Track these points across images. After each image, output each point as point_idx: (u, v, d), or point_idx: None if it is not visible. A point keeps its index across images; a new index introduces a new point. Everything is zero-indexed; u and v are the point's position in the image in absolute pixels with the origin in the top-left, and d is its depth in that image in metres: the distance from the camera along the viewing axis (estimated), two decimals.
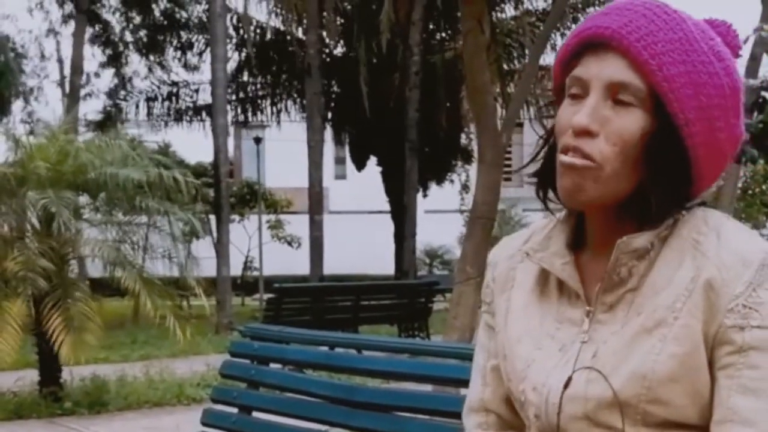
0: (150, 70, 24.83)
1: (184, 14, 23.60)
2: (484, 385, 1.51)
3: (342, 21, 21.46)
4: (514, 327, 1.42)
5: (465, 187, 24.63)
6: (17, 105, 26.75)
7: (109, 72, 25.73)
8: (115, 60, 25.36)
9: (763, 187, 22.73)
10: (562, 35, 17.30)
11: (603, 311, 1.32)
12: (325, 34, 20.05)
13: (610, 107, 1.26)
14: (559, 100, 1.34)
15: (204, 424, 3.09)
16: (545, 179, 1.37)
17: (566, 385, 1.30)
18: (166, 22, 23.59)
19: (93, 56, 24.94)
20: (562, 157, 1.28)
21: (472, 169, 22.97)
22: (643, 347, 1.25)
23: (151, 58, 24.74)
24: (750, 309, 1.22)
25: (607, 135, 1.25)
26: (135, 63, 25.58)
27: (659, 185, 1.26)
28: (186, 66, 23.48)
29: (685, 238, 1.29)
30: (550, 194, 1.39)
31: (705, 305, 1.24)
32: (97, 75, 25.80)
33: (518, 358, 1.39)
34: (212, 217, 18.76)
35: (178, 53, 23.73)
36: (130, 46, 25.03)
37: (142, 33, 24.41)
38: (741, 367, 1.22)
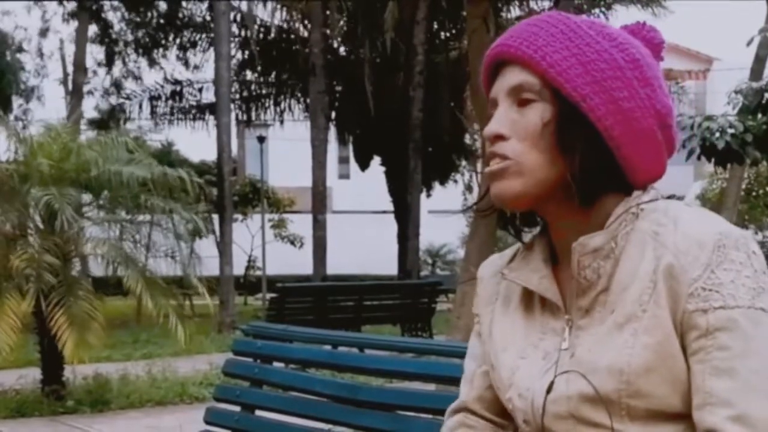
0: (152, 67, 24.82)
1: (186, 12, 23.57)
2: (470, 389, 1.56)
3: (346, 20, 21.47)
4: (499, 338, 1.46)
5: (469, 188, 24.64)
6: (14, 103, 26.74)
7: (112, 70, 25.74)
8: (116, 58, 25.37)
9: (767, 188, 22.72)
10: None
11: (580, 317, 1.34)
12: (329, 33, 20.05)
13: (516, 111, 1.34)
14: None
15: (207, 422, 3.09)
16: (503, 213, 1.44)
17: (549, 390, 1.33)
18: (168, 20, 23.57)
19: (91, 54, 24.94)
20: (485, 170, 1.37)
21: (476, 169, 23.00)
22: (617, 342, 1.27)
23: (153, 56, 24.74)
24: (710, 291, 1.23)
25: (516, 135, 1.32)
26: (138, 61, 25.61)
27: (576, 164, 1.29)
28: (187, 65, 23.48)
29: (646, 231, 1.30)
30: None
31: (668, 293, 1.25)
32: (95, 73, 25.80)
33: (503, 367, 1.43)
34: (215, 216, 18.77)
35: (180, 52, 23.71)
36: (132, 44, 25.04)
37: (144, 31, 24.39)
38: (711, 350, 1.23)
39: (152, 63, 24.64)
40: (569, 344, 1.34)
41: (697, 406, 1.24)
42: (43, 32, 28.03)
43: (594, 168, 1.30)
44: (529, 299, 1.44)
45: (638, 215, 1.32)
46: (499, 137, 1.33)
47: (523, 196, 1.32)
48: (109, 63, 25.50)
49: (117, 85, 25.61)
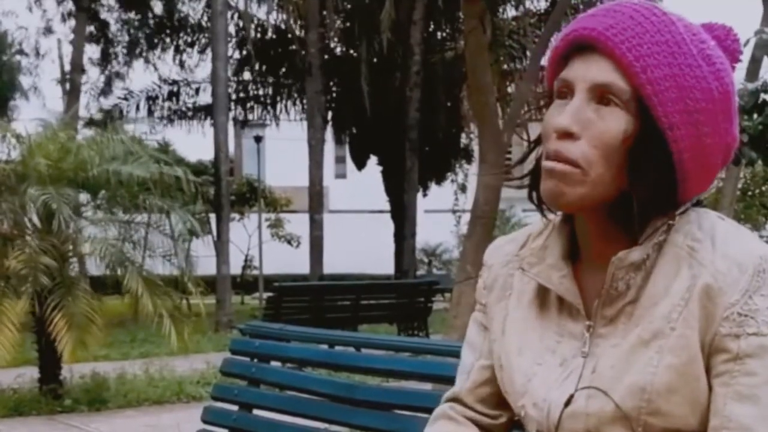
0: (147, 66, 24.79)
1: (183, 14, 23.53)
2: (465, 381, 1.52)
3: (343, 20, 21.47)
4: (513, 338, 1.42)
5: (462, 188, 24.64)
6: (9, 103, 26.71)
7: (108, 70, 25.72)
8: (112, 58, 25.36)
9: (763, 188, 22.75)
10: None
11: (603, 325, 1.31)
12: (325, 33, 20.05)
13: (594, 109, 1.25)
14: (549, 103, 1.33)
15: (205, 421, 3.09)
16: (535, 184, 1.35)
17: (567, 403, 1.31)
18: (165, 21, 23.52)
19: (86, 54, 24.89)
20: (544, 162, 1.28)
21: (470, 169, 23.02)
22: (641, 360, 1.25)
23: (150, 58, 24.71)
24: (745, 317, 1.22)
25: (589, 137, 1.24)
26: (132, 62, 25.56)
27: (641, 189, 1.25)
28: (183, 66, 23.45)
29: (680, 246, 1.28)
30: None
31: (701, 314, 1.23)
32: (88, 73, 25.78)
33: (518, 371, 1.39)
34: (212, 216, 18.77)
35: (177, 55, 23.64)
36: (128, 45, 25.01)
37: (141, 32, 24.35)
38: (737, 375, 1.22)
39: (147, 63, 24.61)
40: (588, 352, 1.31)
41: (714, 428, 1.23)
42: (47, 30, 28.02)
43: (657, 194, 1.26)
44: (545, 296, 1.40)
45: (671, 226, 1.29)
46: (568, 135, 1.25)
47: (576, 205, 1.28)
48: (105, 63, 25.48)
49: (111, 85, 25.58)
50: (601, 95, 1.25)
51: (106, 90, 25.49)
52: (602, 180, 1.25)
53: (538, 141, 1.34)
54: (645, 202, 1.25)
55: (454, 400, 1.53)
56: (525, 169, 1.46)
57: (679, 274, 1.26)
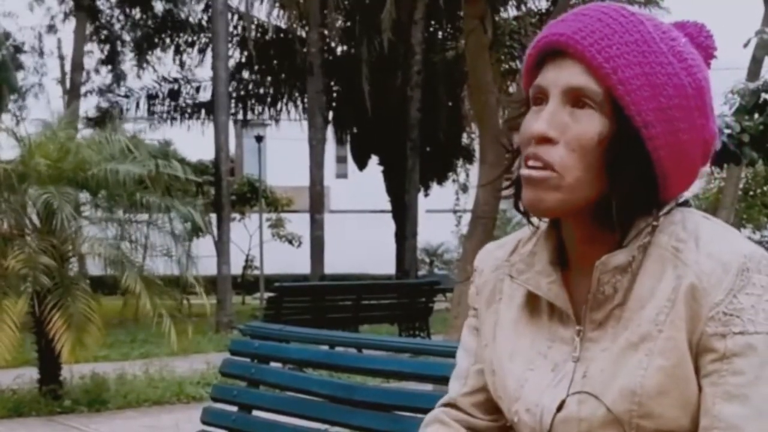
0: (145, 68, 24.78)
1: (183, 14, 23.51)
2: (462, 386, 1.52)
3: (344, 20, 21.47)
4: (505, 344, 1.42)
5: (463, 188, 24.66)
6: (10, 101, 26.67)
7: (110, 68, 25.73)
8: (113, 58, 25.36)
9: (764, 188, 22.74)
10: None
11: (593, 329, 1.32)
12: (326, 32, 20.05)
13: (569, 113, 1.26)
14: (526, 111, 1.34)
15: (204, 422, 3.09)
16: (520, 193, 1.35)
17: (559, 408, 1.31)
18: (165, 21, 23.51)
19: (91, 53, 24.90)
20: (522, 171, 1.29)
21: (472, 169, 23.03)
22: (631, 363, 1.25)
23: (150, 58, 24.70)
24: (731, 316, 1.22)
25: (566, 141, 1.25)
26: (133, 61, 25.59)
27: (621, 190, 1.25)
28: (182, 66, 23.43)
29: (665, 247, 1.28)
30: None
31: (687, 315, 1.23)
32: (97, 71, 25.81)
33: (510, 376, 1.39)
34: (213, 216, 18.76)
35: (177, 56, 23.61)
36: (128, 45, 25.01)
37: (141, 32, 24.34)
38: (725, 374, 1.22)
39: (147, 64, 24.59)
40: (579, 356, 1.32)
41: (704, 428, 1.23)
42: (50, 28, 28.07)
43: (637, 193, 1.26)
44: (535, 302, 1.40)
45: (655, 227, 1.29)
46: (546, 140, 1.26)
47: (557, 211, 1.28)
48: (106, 62, 25.49)
49: (112, 84, 25.58)
50: (575, 99, 1.26)
51: (111, 89, 25.50)
52: (580, 183, 1.25)
53: (519, 150, 1.34)
54: (625, 203, 1.26)
55: (449, 405, 1.54)
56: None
57: (665, 275, 1.26)
